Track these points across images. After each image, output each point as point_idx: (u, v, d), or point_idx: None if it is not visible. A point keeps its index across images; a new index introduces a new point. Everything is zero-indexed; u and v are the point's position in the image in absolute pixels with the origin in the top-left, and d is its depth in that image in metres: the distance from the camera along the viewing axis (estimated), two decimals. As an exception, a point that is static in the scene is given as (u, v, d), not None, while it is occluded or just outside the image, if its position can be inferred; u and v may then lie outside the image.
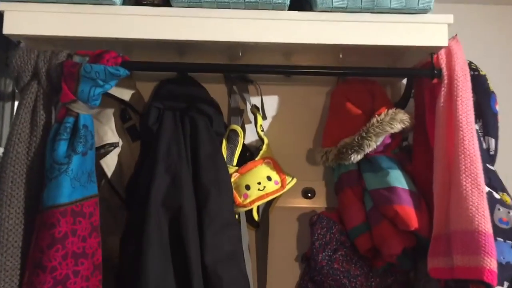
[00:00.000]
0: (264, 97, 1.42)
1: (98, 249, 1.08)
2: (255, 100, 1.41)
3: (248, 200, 1.24)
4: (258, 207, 1.34)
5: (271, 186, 1.28)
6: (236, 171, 1.28)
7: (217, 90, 1.38)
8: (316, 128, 1.49)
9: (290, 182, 1.31)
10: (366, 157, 1.29)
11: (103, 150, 1.22)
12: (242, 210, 1.26)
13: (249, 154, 1.37)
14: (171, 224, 1.12)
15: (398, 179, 1.22)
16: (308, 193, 1.45)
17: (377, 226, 1.24)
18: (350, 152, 1.27)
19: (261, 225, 1.38)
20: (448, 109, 1.16)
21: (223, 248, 1.13)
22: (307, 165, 1.48)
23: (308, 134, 1.48)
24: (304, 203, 1.45)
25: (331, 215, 1.34)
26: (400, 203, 1.18)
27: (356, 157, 1.27)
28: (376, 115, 1.28)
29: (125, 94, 1.29)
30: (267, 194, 1.27)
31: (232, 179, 1.25)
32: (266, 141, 1.35)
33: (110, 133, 1.24)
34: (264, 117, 1.42)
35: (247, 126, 1.42)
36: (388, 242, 1.20)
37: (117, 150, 1.25)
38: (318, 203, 1.45)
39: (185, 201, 1.12)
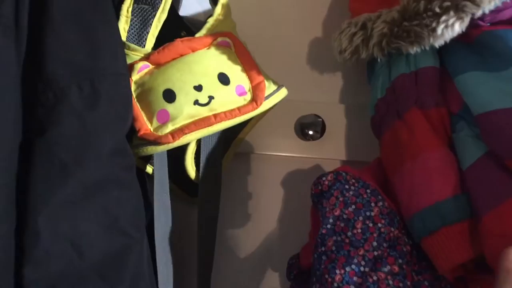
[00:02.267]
0: None
1: None
2: None
3: (169, 128, 0.56)
4: (198, 146, 0.62)
5: (227, 98, 0.58)
6: (147, 57, 0.60)
7: None
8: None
9: (274, 96, 0.61)
10: (467, 37, 0.56)
11: None
12: (157, 150, 0.56)
13: (184, 34, 0.68)
14: None
15: None
16: (308, 127, 0.72)
17: (497, 208, 0.50)
18: (438, 12, 0.53)
19: (202, 190, 0.63)
20: None
21: (83, 249, 0.48)
22: (309, 70, 0.76)
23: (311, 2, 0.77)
24: (300, 149, 0.73)
25: (364, 176, 0.61)
26: None
27: (452, 28, 0.53)
28: None
29: None
30: (217, 117, 0.57)
31: (135, 77, 0.58)
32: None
33: None
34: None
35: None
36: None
37: None
38: (330, 150, 0.73)
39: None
